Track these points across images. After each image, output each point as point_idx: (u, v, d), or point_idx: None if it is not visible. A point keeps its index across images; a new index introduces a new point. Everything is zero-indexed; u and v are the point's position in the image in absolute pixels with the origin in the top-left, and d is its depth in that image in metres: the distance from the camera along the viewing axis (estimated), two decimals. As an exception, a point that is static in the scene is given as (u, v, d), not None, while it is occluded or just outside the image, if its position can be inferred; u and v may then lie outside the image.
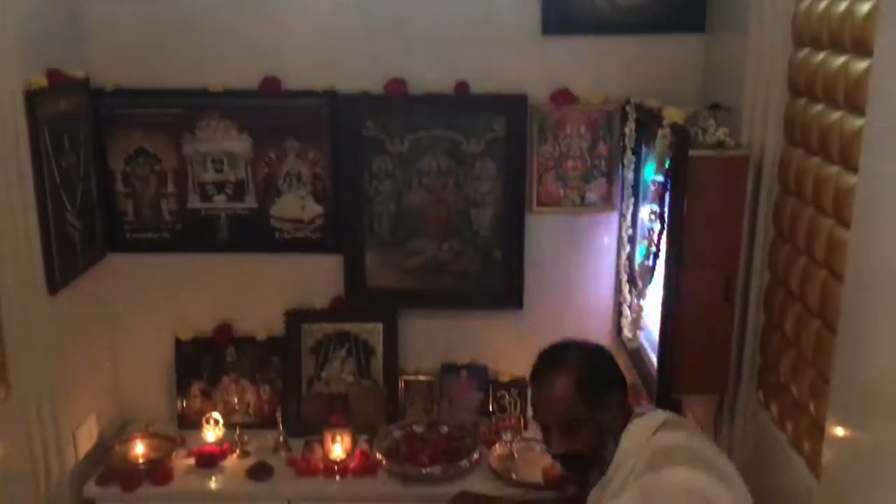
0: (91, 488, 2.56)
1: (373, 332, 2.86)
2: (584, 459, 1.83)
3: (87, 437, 2.65)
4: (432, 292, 2.82)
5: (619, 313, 2.72)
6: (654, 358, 2.29)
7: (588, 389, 1.79)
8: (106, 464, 2.61)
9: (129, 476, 2.56)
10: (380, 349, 2.86)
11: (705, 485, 1.62)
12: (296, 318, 2.84)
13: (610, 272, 2.78)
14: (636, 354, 2.47)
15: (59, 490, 2.48)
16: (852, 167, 1.59)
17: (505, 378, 2.88)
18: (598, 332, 2.82)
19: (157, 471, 2.59)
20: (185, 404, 2.89)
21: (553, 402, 1.83)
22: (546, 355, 1.90)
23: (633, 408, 1.88)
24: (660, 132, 2.06)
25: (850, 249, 1.55)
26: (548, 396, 1.85)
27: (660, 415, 1.84)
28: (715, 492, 1.62)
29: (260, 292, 2.85)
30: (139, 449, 2.70)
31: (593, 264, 2.79)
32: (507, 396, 2.88)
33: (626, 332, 2.51)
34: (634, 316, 2.40)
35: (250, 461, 2.68)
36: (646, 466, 1.68)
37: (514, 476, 2.58)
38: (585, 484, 1.87)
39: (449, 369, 2.89)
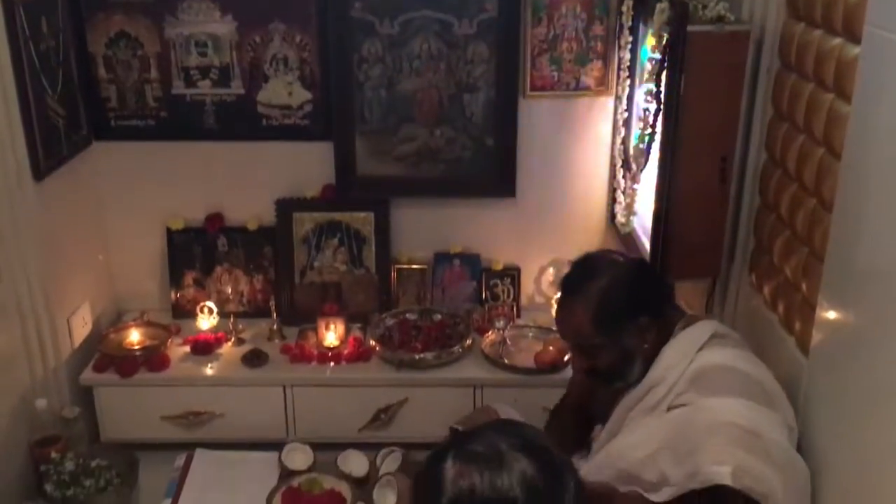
0: (88, 375, 2.59)
1: (365, 221, 2.83)
2: (608, 375, 1.81)
3: (81, 326, 2.66)
4: (424, 180, 2.78)
5: (612, 199, 2.70)
6: (646, 243, 2.27)
7: (607, 319, 1.73)
8: (101, 351, 2.63)
9: (125, 363, 2.59)
10: (372, 238, 2.84)
11: (746, 415, 1.57)
12: (287, 206, 2.81)
13: (604, 158, 2.74)
14: (629, 240, 2.46)
15: (56, 377, 2.51)
16: (856, 38, 1.53)
17: (498, 266, 2.88)
18: (591, 218, 2.82)
19: (153, 357, 2.61)
20: (178, 294, 2.89)
21: (569, 329, 1.81)
22: (571, 277, 1.82)
23: (679, 317, 1.80)
24: (658, 7, 1.98)
25: (850, 123, 1.51)
26: (564, 321, 1.82)
27: (707, 328, 1.76)
28: (758, 420, 1.57)
29: (250, 181, 2.81)
30: (134, 337, 2.72)
31: (588, 150, 2.75)
32: (499, 284, 2.89)
33: (620, 218, 2.49)
34: (628, 201, 2.37)
35: (245, 348, 2.70)
36: (686, 387, 1.65)
37: (506, 361, 2.61)
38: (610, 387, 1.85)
39: (442, 258, 2.89)
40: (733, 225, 2.13)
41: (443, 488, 1.02)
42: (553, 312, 2.06)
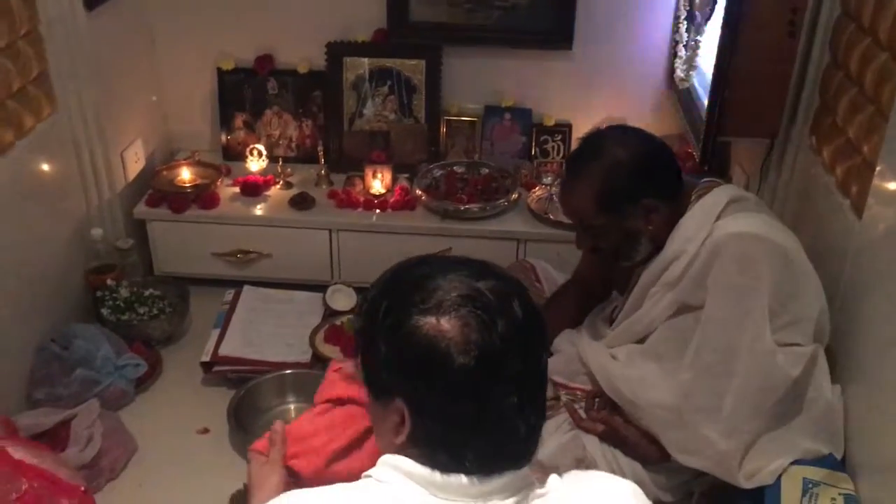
0: (141, 208, 2.65)
1: (415, 68, 2.78)
2: (613, 255, 1.77)
3: (134, 161, 2.71)
4: (478, 28, 2.69)
5: (673, 54, 2.59)
6: (704, 100, 2.19)
7: (609, 200, 1.67)
8: (154, 187, 2.69)
9: (176, 199, 2.64)
10: (423, 87, 2.79)
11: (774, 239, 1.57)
12: (337, 49, 2.76)
13: (668, 10, 2.61)
14: (687, 96, 2.38)
15: (111, 208, 2.58)
16: None
17: (550, 122, 2.82)
18: (650, 74, 2.73)
19: (204, 195, 2.66)
20: (228, 136, 2.91)
21: (572, 209, 1.75)
22: (575, 156, 1.75)
23: (693, 188, 1.72)
24: None
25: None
26: (566, 202, 1.77)
27: (722, 195, 1.67)
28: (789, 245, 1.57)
29: (301, 22, 2.75)
30: (185, 175, 2.76)
31: (651, 1, 2.61)
32: (550, 141, 2.84)
33: (679, 73, 2.40)
34: (689, 54, 2.27)
35: (293, 191, 2.73)
36: (709, 258, 1.61)
37: (551, 217, 2.60)
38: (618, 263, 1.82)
39: (492, 111, 2.84)
40: (798, 83, 2.03)
41: (451, 350, 0.95)
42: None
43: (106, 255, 2.53)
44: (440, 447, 0.99)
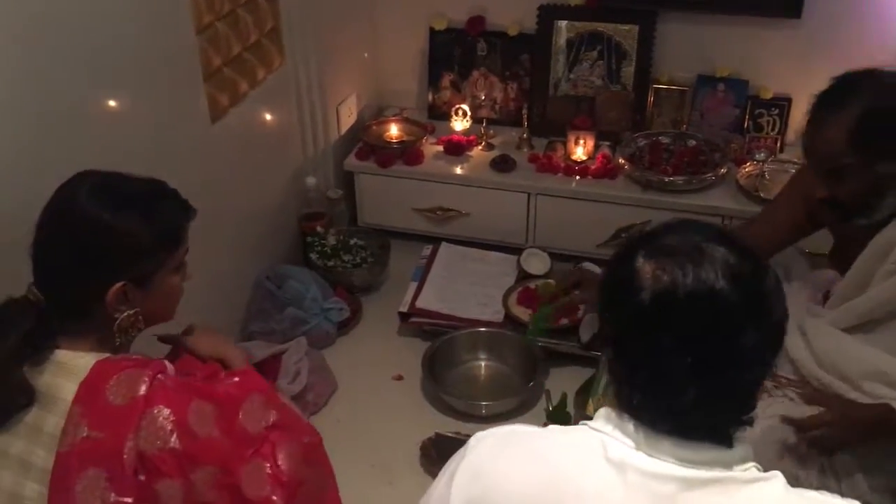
0: (351, 161, 2.78)
1: (628, 34, 2.71)
2: (848, 209, 1.62)
3: (347, 115, 2.84)
4: (700, -8, 2.58)
5: (918, 26, 2.37)
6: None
7: (865, 137, 1.52)
8: (364, 140, 2.80)
9: (383, 153, 2.74)
10: (633, 53, 2.72)
11: None
12: (549, 13, 2.74)
13: (916, -21, 2.39)
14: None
15: (325, 159, 2.72)
16: None
17: (767, 94, 2.67)
18: (886, 51, 2.50)
19: (409, 151, 2.74)
20: (435, 95, 2.98)
21: (817, 145, 1.60)
22: (831, 87, 1.60)
23: None
24: None
25: None
26: (815, 135, 1.60)
27: None
28: None
29: (515, -17, 2.76)
30: (393, 130, 2.86)
31: (897, -32, 2.40)
32: (765, 115, 2.69)
33: (925, 48, 2.19)
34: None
35: (494, 153, 2.76)
36: None
37: (761, 195, 2.48)
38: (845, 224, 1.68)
39: (705, 80, 2.72)
40: None
41: (641, 284, 0.98)
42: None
43: (317, 203, 2.68)
44: (624, 389, 1.02)
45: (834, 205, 1.64)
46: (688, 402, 0.97)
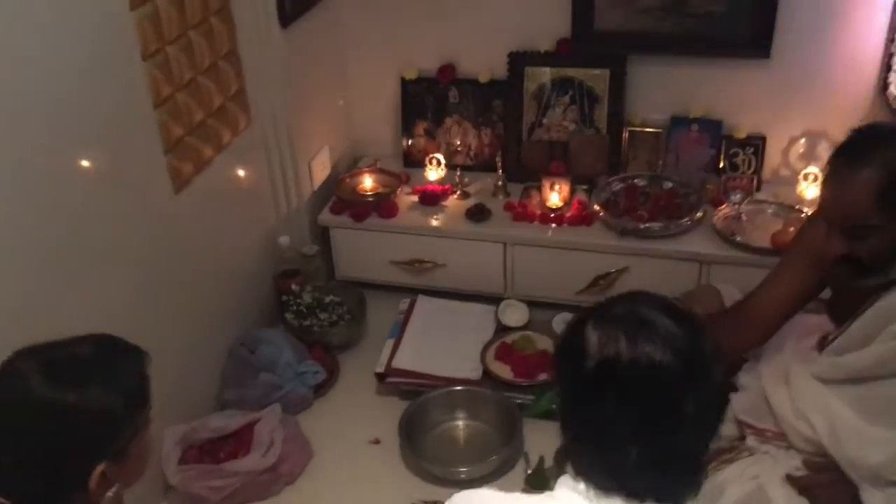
0: (326, 215, 2.75)
1: (599, 77, 2.69)
2: (864, 267, 1.57)
3: (321, 169, 2.82)
4: (668, 36, 2.56)
5: (886, 67, 2.35)
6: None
7: (893, 197, 1.48)
8: (337, 195, 2.78)
9: (358, 207, 2.72)
10: (605, 97, 2.71)
11: None
12: (519, 59, 2.73)
13: (880, 20, 2.37)
14: (902, 115, 2.15)
15: (298, 215, 2.70)
16: None
17: (741, 134, 2.65)
18: (857, 86, 2.50)
19: (384, 204, 2.72)
20: (410, 143, 2.96)
21: (844, 202, 1.54)
22: (855, 140, 1.55)
23: None
24: None
25: None
26: (840, 193, 1.54)
27: None
28: None
29: (483, 32, 2.74)
30: (367, 183, 2.84)
31: (861, 8, 2.38)
32: (741, 154, 2.67)
33: (893, 89, 2.17)
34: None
35: (470, 202, 2.73)
36: None
37: (738, 238, 2.45)
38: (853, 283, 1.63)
39: (679, 122, 2.70)
40: None
41: (587, 352, 1.03)
42: (819, 182, 1.75)
43: (292, 261, 2.65)
44: (574, 449, 1.10)
45: (850, 261, 1.59)
46: (631, 463, 1.02)
